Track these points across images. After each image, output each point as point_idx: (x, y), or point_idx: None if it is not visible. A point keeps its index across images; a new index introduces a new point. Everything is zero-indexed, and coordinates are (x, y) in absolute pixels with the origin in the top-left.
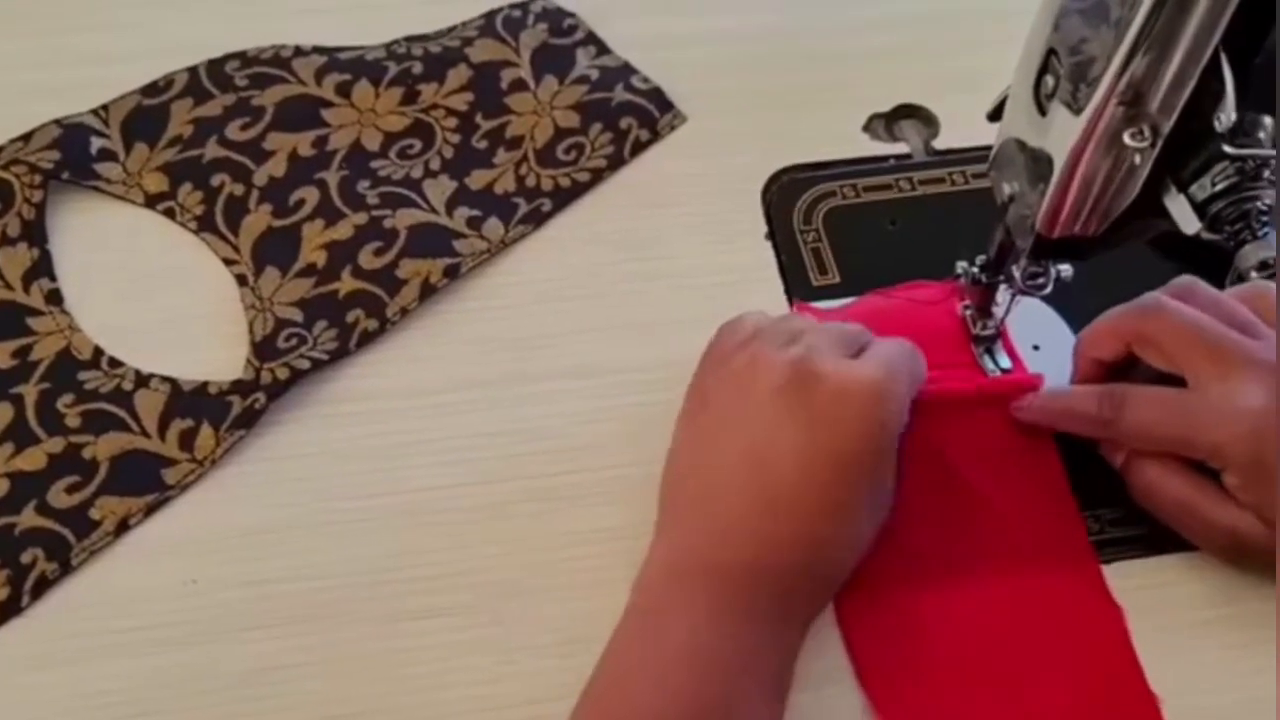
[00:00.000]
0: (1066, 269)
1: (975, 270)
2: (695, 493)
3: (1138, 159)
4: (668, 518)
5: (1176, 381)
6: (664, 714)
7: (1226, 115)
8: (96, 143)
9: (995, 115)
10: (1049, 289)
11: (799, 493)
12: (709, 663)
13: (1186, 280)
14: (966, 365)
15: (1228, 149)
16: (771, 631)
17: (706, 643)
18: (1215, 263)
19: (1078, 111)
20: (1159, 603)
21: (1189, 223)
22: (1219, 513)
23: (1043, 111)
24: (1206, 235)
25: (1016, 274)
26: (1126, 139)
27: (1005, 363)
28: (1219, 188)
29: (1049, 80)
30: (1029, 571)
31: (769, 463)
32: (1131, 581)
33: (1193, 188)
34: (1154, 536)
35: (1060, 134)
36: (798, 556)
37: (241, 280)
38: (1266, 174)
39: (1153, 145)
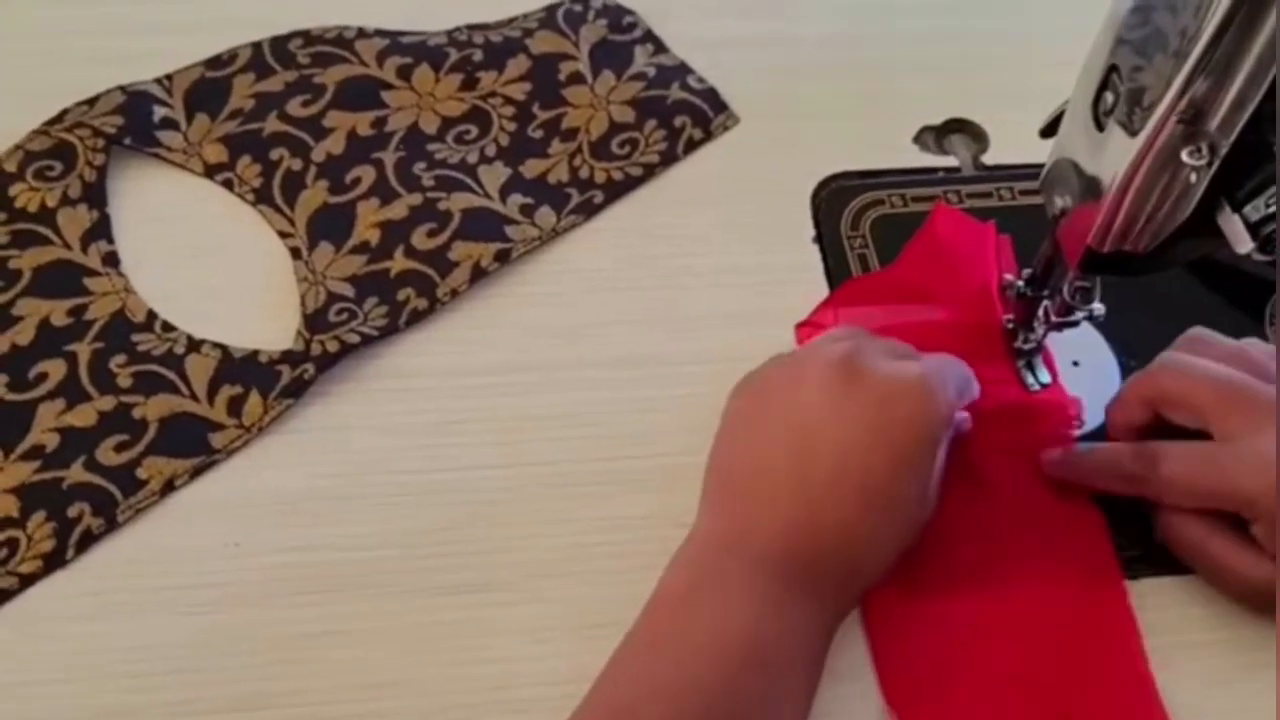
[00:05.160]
0: (1099, 307)
1: (1021, 284)
2: (737, 476)
3: (1194, 177)
4: (709, 499)
5: (1206, 437)
6: (683, 693)
7: None
8: (159, 111)
9: (1048, 131)
10: (1080, 324)
11: (840, 482)
12: (736, 645)
13: (1196, 333)
14: (1006, 381)
15: None
16: (802, 619)
17: (735, 625)
18: (1254, 290)
19: (1133, 134)
20: (1164, 622)
21: (1242, 242)
22: (1245, 564)
23: (1100, 127)
24: (1258, 256)
25: (1064, 288)
26: (1184, 157)
27: (1045, 377)
28: (1273, 209)
29: (1108, 97)
30: (1058, 588)
31: (813, 451)
32: (1138, 601)
33: (1247, 208)
34: (1159, 556)
35: (1116, 150)
36: (833, 546)
37: (295, 253)
38: None
39: (1210, 164)
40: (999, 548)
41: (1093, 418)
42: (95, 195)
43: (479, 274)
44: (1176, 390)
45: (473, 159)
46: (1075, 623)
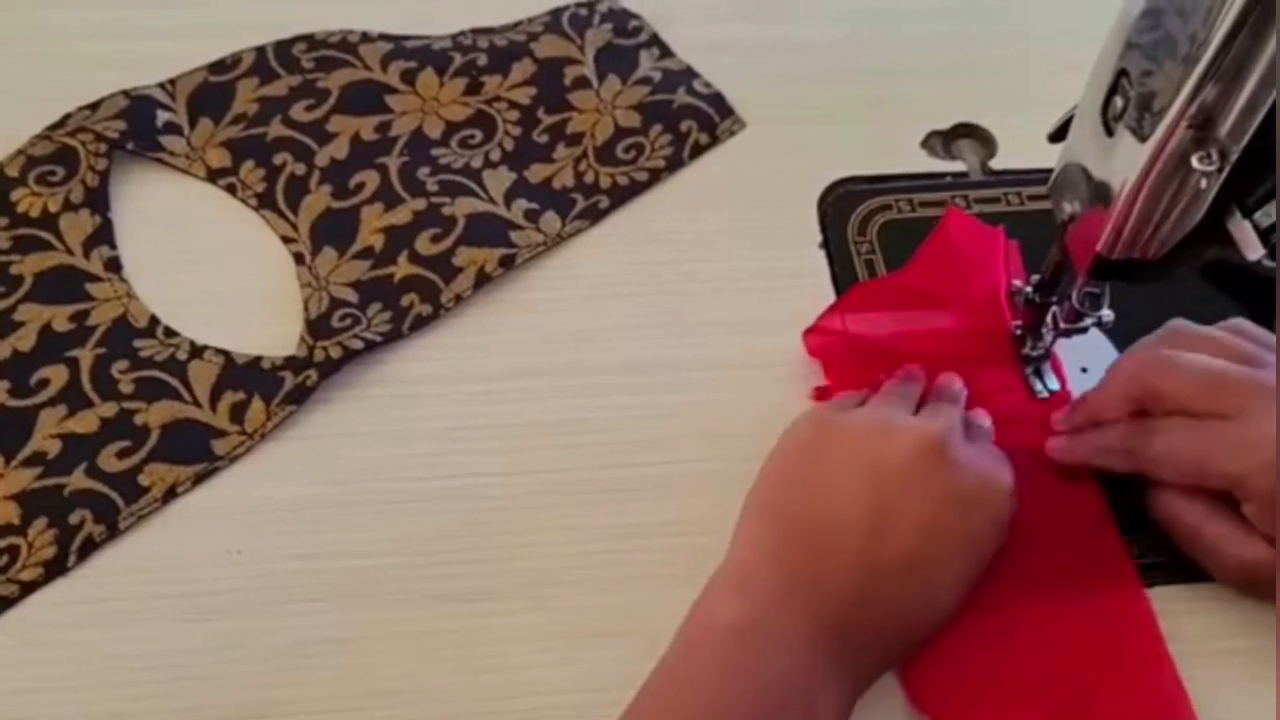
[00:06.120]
0: (1108, 314)
1: (1029, 290)
2: (803, 520)
3: (1204, 183)
4: (767, 525)
5: None
6: None
7: None
8: (162, 115)
9: (1057, 136)
10: (1089, 330)
11: (908, 564)
12: (774, 697)
13: (1176, 324)
14: (1015, 388)
15: None
16: (837, 687)
17: (776, 676)
18: (1266, 294)
19: (1143, 139)
20: (1180, 630)
21: (1252, 248)
22: (1234, 542)
23: (1110, 133)
24: (1268, 262)
25: (1073, 294)
26: (1194, 162)
27: (1054, 384)
28: None
29: (1118, 101)
30: (1076, 593)
31: (890, 521)
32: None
33: (1257, 214)
34: (1173, 565)
35: (1126, 155)
36: (881, 620)
37: (299, 259)
38: None
39: (1220, 170)
40: (1012, 554)
41: None
42: (97, 200)
43: (483, 279)
44: (1161, 383)
45: (477, 164)
46: (1096, 627)
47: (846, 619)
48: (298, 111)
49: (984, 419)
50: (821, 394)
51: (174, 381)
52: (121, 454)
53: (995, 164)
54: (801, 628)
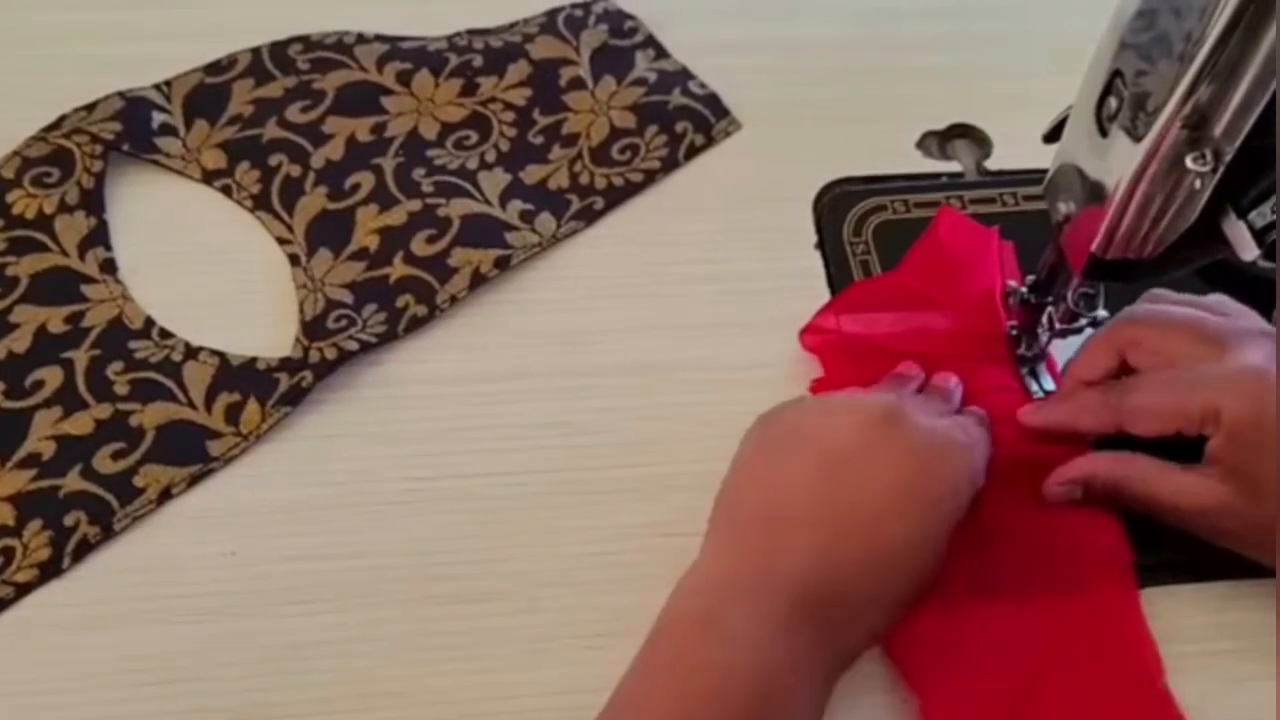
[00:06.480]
0: (1103, 314)
1: (1024, 291)
2: (752, 510)
3: (1198, 183)
4: (718, 531)
5: None
6: None
7: None
8: (158, 117)
9: (1052, 136)
10: (1084, 330)
11: (864, 525)
12: (743, 685)
13: (1154, 292)
14: (1010, 389)
15: None
16: (808, 664)
17: (743, 664)
18: (1262, 293)
19: (1137, 139)
20: (1173, 631)
21: (1247, 249)
22: (1192, 494)
23: (1104, 133)
24: (1263, 263)
25: (1068, 295)
26: (1188, 162)
27: (1049, 384)
28: (1278, 215)
29: (1112, 102)
30: (1070, 592)
31: (840, 489)
32: (1150, 609)
33: (1252, 214)
34: (1172, 565)
35: (1120, 156)
36: (847, 591)
37: (294, 260)
38: None
39: (1214, 170)
40: (1008, 553)
41: None
42: (93, 202)
43: (479, 281)
44: (1140, 333)
45: (473, 165)
46: (1089, 627)
47: (813, 597)
48: (293, 113)
49: (950, 380)
50: (819, 387)
51: (169, 383)
52: (116, 455)
53: (990, 164)
54: (765, 614)
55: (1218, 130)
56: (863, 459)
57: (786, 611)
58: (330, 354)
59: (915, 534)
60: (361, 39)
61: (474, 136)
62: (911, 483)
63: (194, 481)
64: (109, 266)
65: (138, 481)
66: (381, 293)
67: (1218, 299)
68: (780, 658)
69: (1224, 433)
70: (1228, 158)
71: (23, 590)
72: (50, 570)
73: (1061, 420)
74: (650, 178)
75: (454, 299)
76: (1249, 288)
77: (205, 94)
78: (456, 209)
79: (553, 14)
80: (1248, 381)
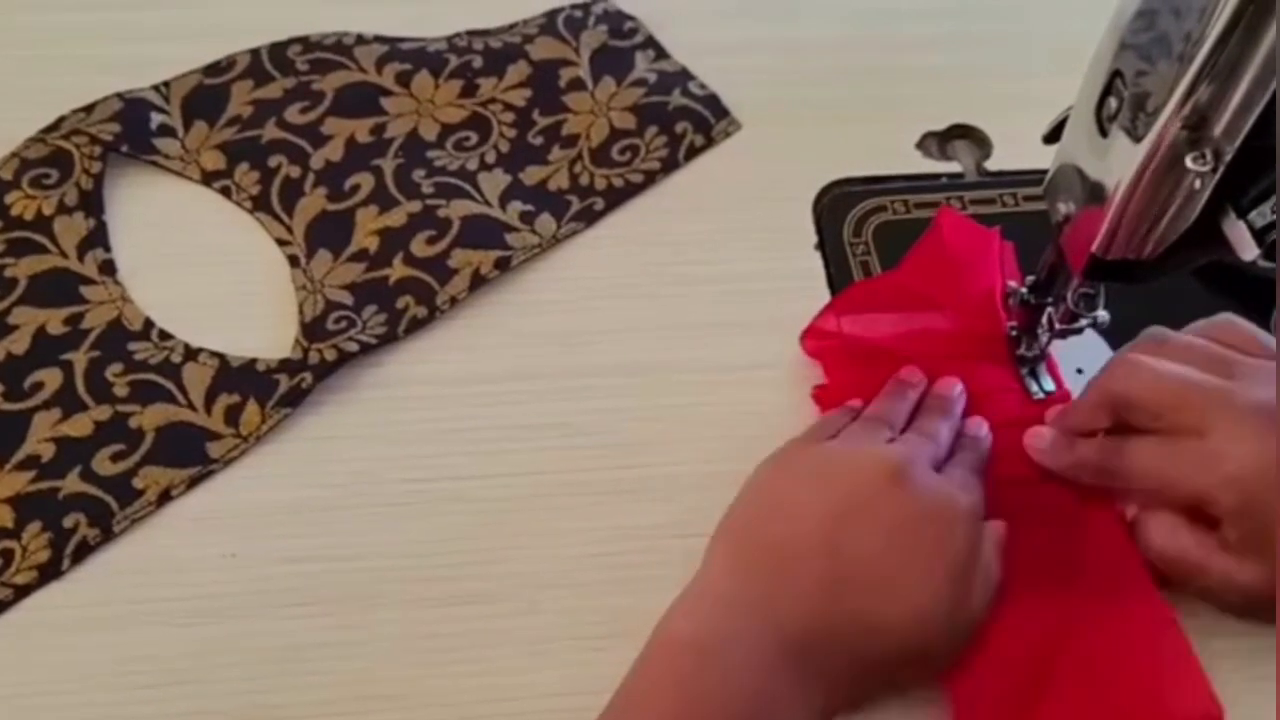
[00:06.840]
0: (1103, 314)
1: (1024, 291)
2: (760, 538)
3: (1198, 183)
4: (721, 556)
5: None
6: None
7: None
8: (157, 118)
9: (1052, 137)
10: (1084, 331)
11: (871, 579)
12: (740, 710)
13: (1155, 331)
14: (1010, 390)
15: None
16: (806, 696)
17: (742, 689)
18: (1262, 294)
19: (1137, 140)
20: None
21: (1247, 249)
22: (1218, 565)
23: (1104, 133)
24: (1263, 263)
25: (1068, 295)
26: (1188, 162)
27: (1049, 385)
28: (1278, 215)
29: (1112, 102)
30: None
31: (852, 537)
32: None
33: (1252, 214)
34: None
35: (1120, 156)
36: (850, 631)
37: (293, 261)
38: None
39: (1214, 170)
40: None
41: None
42: (92, 203)
43: (479, 282)
44: (1133, 392)
45: (472, 166)
46: (1108, 620)
47: (809, 636)
48: (292, 114)
49: (981, 428)
50: (821, 394)
51: (168, 384)
52: (116, 457)
53: (990, 165)
54: (762, 644)
55: (1217, 130)
56: (869, 508)
57: (778, 644)
58: (330, 355)
59: (917, 595)
60: (361, 40)
61: (474, 137)
62: (912, 543)
63: (194, 483)
64: (108, 268)
65: (137, 483)
66: (381, 294)
67: (1226, 321)
68: (773, 688)
69: (1229, 522)
70: (1227, 158)
71: (22, 592)
72: (50, 572)
73: (1063, 471)
74: (650, 178)
75: (454, 300)
76: (1249, 288)
77: (204, 95)
78: (456, 210)
79: (552, 15)
80: (1230, 464)
